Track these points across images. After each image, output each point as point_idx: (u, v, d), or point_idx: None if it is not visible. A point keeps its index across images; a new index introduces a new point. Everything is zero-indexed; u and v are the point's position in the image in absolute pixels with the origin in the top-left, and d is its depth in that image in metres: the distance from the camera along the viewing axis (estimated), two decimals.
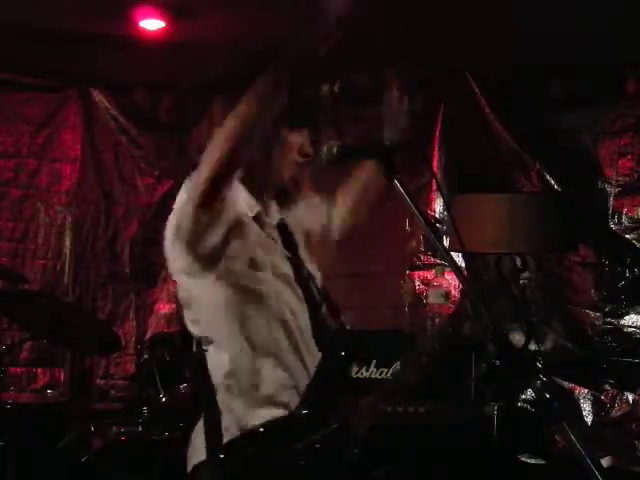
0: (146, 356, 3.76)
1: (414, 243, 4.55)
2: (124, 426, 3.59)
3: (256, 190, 2.12)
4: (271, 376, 2.04)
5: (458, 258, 4.13)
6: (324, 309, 2.16)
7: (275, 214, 2.17)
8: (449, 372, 3.52)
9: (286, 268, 2.10)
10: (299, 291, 2.10)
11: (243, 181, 2.10)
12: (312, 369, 2.07)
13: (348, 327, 2.23)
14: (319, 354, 2.10)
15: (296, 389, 2.05)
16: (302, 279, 2.12)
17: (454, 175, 4.44)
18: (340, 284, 4.65)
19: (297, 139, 2.10)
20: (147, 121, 4.90)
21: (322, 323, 2.14)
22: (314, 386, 2.06)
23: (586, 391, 4.16)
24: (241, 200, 2.09)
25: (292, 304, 2.07)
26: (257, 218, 2.10)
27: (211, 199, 1.94)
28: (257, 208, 2.10)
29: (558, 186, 4.24)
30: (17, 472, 3.57)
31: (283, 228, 2.19)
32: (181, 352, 3.64)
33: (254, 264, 2.04)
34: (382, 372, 3.57)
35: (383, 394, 2.26)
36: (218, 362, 2.06)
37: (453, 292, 4.23)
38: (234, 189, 2.05)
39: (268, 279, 2.05)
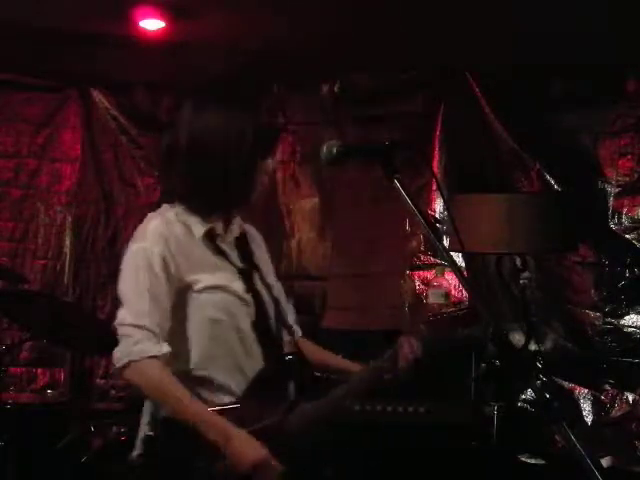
0: None
1: (414, 243, 4.55)
2: (124, 426, 3.59)
3: (215, 209, 2.14)
4: (208, 377, 2.07)
5: (458, 258, 4.13)
6: (275, 316, 2.19)
7: (236, 228, 2.20)
8: (449, 372, 3.52)
9: (235, 282, 2.12)
10: (247, 299, 2.12)
11: (193, 204, 2.12)
12: (251, 374, 2.10)
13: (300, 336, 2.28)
14: (261, 360, 2.12)
15: (233, 392, 2.08)
16: (251, 287, 2.14)
17: (454, 175, 4.44)
18: (340, 284, 4.71)
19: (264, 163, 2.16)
20: (147, 121, 4.89)
21: (269, 329, 2.16)
22: (251, 390, 2.08)
23: (586, 391, 4.16)
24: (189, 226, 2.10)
25: (232, 309, 2.09)
26: (208, 236, 2.12)
27: None
28: (205, 227, 2.11)
29: (558, 186, 4.24)
30: (17, 472, 3.57)
31: (241, 240, 2.22)
32: None
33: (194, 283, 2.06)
34: None
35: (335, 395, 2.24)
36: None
37: (453, 292, 4.23)
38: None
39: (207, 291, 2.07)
